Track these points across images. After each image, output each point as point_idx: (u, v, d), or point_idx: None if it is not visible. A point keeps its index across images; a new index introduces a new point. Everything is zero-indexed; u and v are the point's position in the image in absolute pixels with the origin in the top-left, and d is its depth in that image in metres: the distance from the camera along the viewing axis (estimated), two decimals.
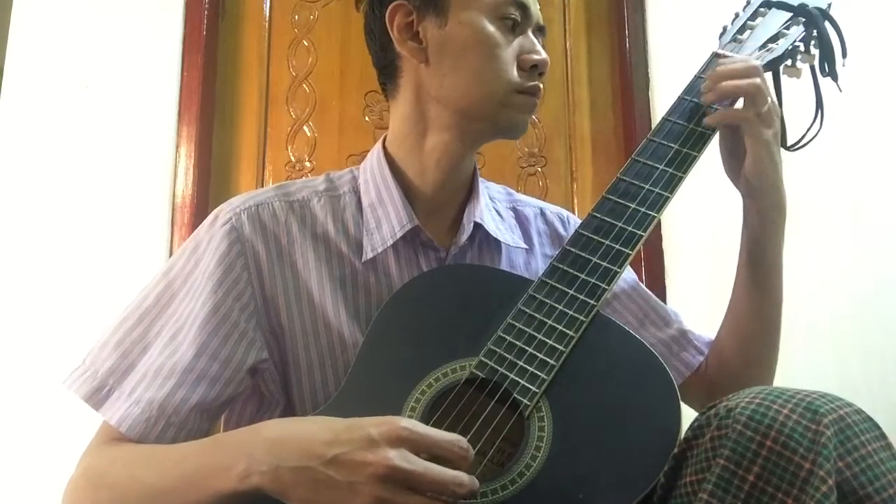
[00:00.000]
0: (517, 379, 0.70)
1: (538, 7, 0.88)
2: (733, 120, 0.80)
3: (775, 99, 0.82)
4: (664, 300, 1.79)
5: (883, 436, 0.58)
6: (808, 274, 1.71)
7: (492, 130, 0.86)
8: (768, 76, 0.87)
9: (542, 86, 0.86)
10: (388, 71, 0.89)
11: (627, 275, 0.96)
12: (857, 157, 1.81)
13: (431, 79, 0.85)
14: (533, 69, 0.84)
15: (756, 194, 0.83)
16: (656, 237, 1.83)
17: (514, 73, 0.83)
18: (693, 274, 1.80)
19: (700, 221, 1.79)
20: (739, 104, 0.81)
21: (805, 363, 1.65)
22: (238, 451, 0.63)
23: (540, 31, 0.88)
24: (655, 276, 1.82)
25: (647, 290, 0.99)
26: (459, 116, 0.84)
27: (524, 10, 0.84)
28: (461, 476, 0.57)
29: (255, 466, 0.60)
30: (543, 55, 0.85)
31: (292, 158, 1.96)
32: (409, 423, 0.58)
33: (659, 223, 0.78)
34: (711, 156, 0.82)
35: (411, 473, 0.56)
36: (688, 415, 0.66)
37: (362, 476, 0.56)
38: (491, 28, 0.83)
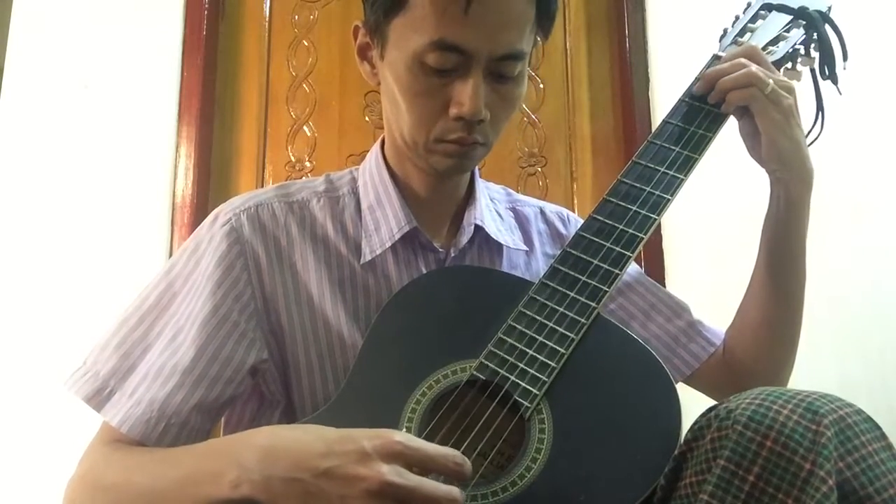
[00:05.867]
0: (518, 381, 0.69)
1: (507, 34, 0.74)
2: (740, 101, 0.80)
3: (779, 76, 0.82)
4: None
5: (883, 436, 0.58)
6: (808, 274, 1.71)
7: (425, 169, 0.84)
8: None
9: (476, 136, 0.78)
10: None
11: (631, 268, 0.95)
12: (857, 157, 1.81)
13: (383, 100, 0.85)
14: (459, 119, 0.76)
15: (778, 171, 0.83)
16: (656, 238, 1.84)
17: (438, 122, 0.77)
18: (693, 274, 1.80)
19: (700, 222, 1.79)
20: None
21: (805, 363, 1.65)
22: (230, 459, 0.62)
23: (511, 58, 0.75)
24: (655, 277, 1.81)
25: (653, 282, 0.98)
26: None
27: (460, 52, 0.73)
28: (454, 492, 0.56)
29: (245, 475, 0.60)
30: (466, 106, 0.74)
31: (292, 158, 1.96)
32: (404, 437, 0.58)
33: (659, 224, 0.78)
34: (711, 159, 0.82)
35: (404, 489, 0.55)
36: (688, 416, 0.66)
37: (355, 490, 0.55)
38: (412, 75, 0.75)
